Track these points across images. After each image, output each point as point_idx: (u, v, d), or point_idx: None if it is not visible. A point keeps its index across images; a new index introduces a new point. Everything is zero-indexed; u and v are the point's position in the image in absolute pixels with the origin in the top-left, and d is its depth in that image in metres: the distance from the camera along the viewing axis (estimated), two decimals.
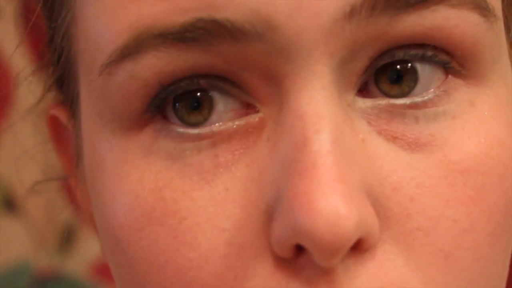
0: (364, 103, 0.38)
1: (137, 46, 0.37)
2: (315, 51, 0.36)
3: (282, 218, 0.36)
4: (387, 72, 0.39)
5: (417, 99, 0.38)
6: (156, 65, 0.37)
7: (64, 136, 0.50)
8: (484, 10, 0.38)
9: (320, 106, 0.36)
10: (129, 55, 0.38)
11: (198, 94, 0.39)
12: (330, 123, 0.36)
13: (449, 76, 0.39)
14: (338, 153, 0.36)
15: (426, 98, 0.38)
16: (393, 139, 0.38)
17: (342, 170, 0.36)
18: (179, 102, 0.39)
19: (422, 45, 0.38)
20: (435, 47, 0.38)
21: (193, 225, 0.38)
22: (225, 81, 0.38)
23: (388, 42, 0.38)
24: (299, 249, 0.36)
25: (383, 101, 0.38)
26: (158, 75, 0.38)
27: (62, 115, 0.48)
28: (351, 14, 0.36)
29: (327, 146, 0.36)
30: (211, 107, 0.39)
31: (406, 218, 0.37)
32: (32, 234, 1.20)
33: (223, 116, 0.38)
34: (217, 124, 0.38)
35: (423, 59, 0.38)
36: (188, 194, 0.38)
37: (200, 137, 0.38)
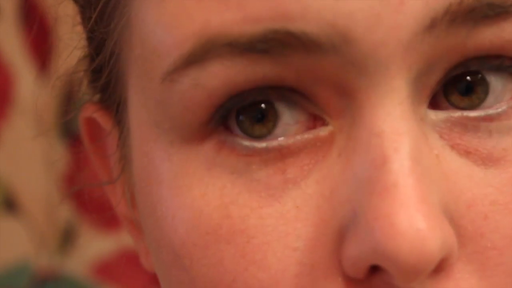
0: (436, 115, 0.37)
1: (203, 53, 0.36)
2: (392, 66, 0.35)
3: (360, 239, 0.35)
4: (456, 84, 0.38)
5: (491, 111, 0.37)
6: (222, 74, 0.36)
7: (101, 140, 0.48)
8: None
9: (398, 123, 0.35)
10: (195, 62, 0.36)
11: (263, 105, 0.37)
12: (408, 140, 0.35)
13: None
14: (418, 172, 0.35)
15: (500, 110, 0.38)
16: (466, 154, 0.37)
17: (423, 190, 0.35)
18: (242, 114, 0.38)
19: (498, 56, 0.37)
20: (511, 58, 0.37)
21: (262, 244, 0.37)
22: (294, 93, 0.37)
23: (464, 54, 0.37)
24: (373, 270, 0.36)
25: (456, 114, 0.37)
26: (225, 85, 0.36)
27: (103, 120, 0.47)
28: (431, 26, 0.35)
29: (408, 166, 0.35)
30: (276, 119, 0.37)
31: (480, 237, 0.37)
32: (32, 234, 1.20)
33: (289, 129, 0.37)
34: (283, 138, 0.37)
35: (498, 69, 0.38)
36: (257, 212, 0.37)
37: (267, 151, 0.37)
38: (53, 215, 1.16)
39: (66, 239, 1.20)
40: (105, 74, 0.43)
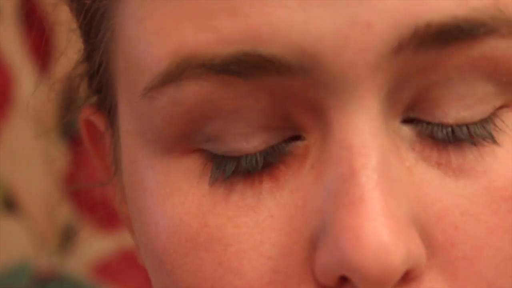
0: (409, 129, 0.38)
1: (179, 73, 0.37)
2: (362, 86, 0.36)
3: (328, 249, 0.36)
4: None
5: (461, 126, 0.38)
6: (199, 93, 0.37)
7: (99, 142, 0.49)
8: None
9: (367, 137, 0.36)
10: (171, 81, 0.37)
11: None
12: (377, 154, 0.36)
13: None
14: (385, 185, 0.36)
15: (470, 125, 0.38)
16: (437, 165, 0.38)
17: (389, 203, 0.35)
18: None
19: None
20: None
21: (238, 252, 0.38)
22: (270, 116, 0.38)
23: (435, 73, 0.37)
24: (343, 279, 0.36)
25: (427, 129, 0.38)
26: (202, 102, 0.37)
27: (98, 121, 0.48)
28: (398, 49, 0.36)
29: (375, 179, 0.35)
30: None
31: (451, 247, 0.37)
32: (32, 234, 1.20)
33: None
34: (263, 152, 0.38)
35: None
36: (233, 221, 0.38)
37: (246, 165, 0.38)
38: (53, 215, 1.16)
39: (66, 239, 1.20)
40: (96, 81, 0.45)
